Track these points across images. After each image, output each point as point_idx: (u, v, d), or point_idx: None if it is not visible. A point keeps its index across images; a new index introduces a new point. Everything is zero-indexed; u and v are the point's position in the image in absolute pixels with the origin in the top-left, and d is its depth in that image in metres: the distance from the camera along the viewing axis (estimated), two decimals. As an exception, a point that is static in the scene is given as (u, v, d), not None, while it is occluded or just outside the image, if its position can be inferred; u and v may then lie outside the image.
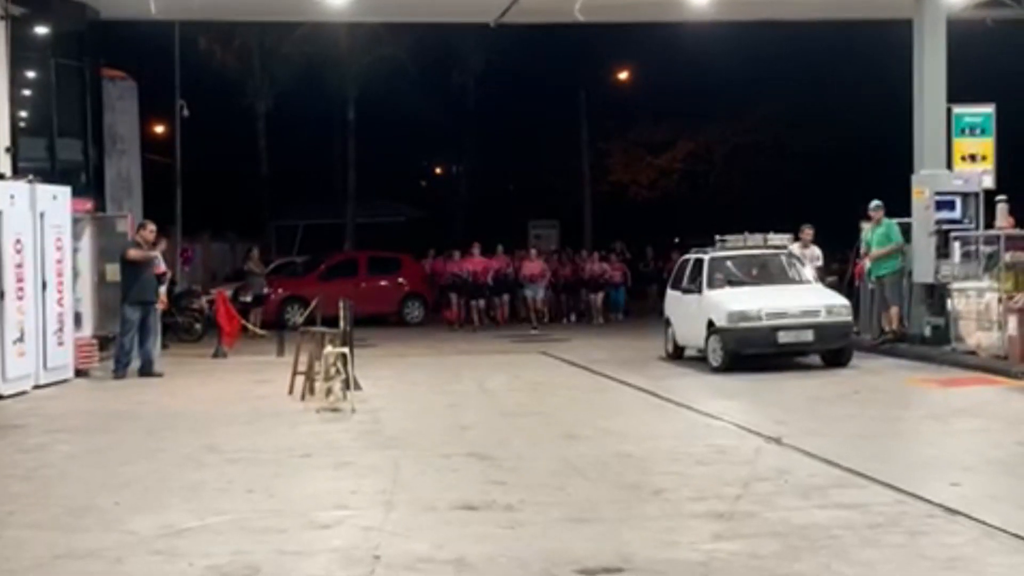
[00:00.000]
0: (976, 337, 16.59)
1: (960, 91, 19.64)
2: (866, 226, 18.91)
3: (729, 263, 18.08)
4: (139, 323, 17.08)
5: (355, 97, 38.91)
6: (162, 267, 17.92)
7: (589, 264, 28.47)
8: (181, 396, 15.21)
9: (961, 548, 7.02)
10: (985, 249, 17.01)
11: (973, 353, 16.45)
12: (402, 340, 23.66)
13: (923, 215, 18.24)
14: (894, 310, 18.48)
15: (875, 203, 18.76)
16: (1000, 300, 15.57)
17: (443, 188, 49.70)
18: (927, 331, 18.20)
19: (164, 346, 20.80)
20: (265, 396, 14.79)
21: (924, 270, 18.15)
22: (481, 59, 39.30)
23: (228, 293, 22.05)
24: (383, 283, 28.87)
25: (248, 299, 23.92)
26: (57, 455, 10.95)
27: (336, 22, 29.78)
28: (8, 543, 7.56)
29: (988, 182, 18.99)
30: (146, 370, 17.11)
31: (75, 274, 17.42)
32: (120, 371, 16.95)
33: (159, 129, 34.94)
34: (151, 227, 17.84)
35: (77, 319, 17.43)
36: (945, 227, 17.98)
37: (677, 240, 34.65)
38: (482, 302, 26.98)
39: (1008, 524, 7.38)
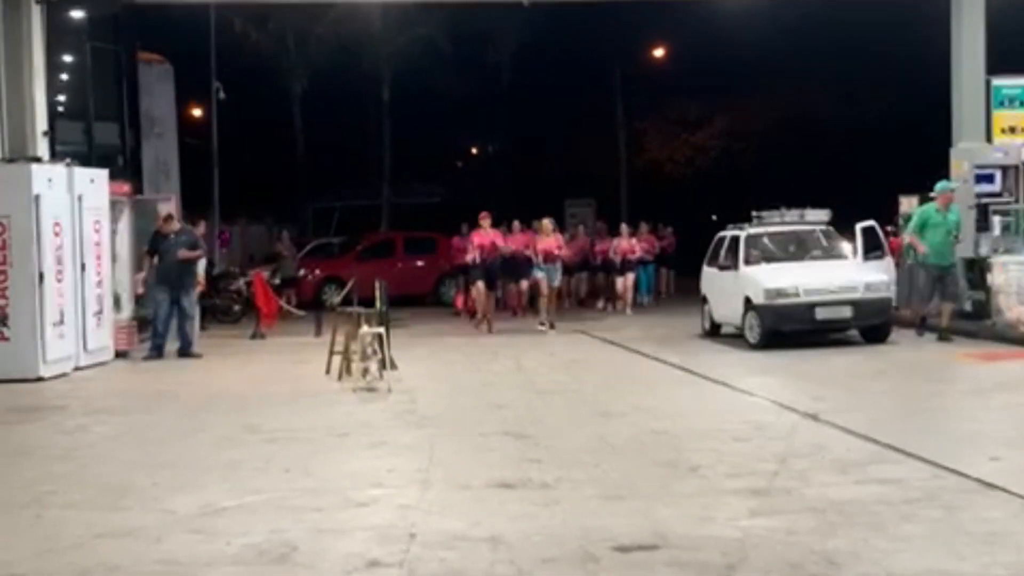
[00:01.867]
0: (1016, 311, 16.43)
1: (999, 62, 19.40)
2: (924, 207, 17.12)
3: (766, 239, 18.01)
4: (170, 305, 17.17)
5: (390, 78, 38.93)
6: (195, 252, 17.95)
7: (617, 241, 25.09)
8: (219, 377, 15.31)
9: (1000, 522, 6.96)
10: (1026, 222, 16.85)
11: (1015, 327, 16.30)
12: (438, 320, 23.70)
13: (962, 188, 18.05)
14: (950, 306, 16.85)
15: (946, 183, 17.02)
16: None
17: (479, 168, 49.67)
18: (967, 305, 18.03)
19: (203, 328, 21.02)
20: (302, 376, 14.86)
21: (964, 244, 17.97)
22: (515, 38, 39.19)
23: (265, 275, 22.15)
24: (419, 263, 28.92)
25: (276, 281, 23.95)
26: (96, 436, 11.06)
27: (369, 2, 29.80)
28: (48, 523, 7.65)
29: (1028, 154, 18.79)
30: (185, 351, 17.25)
31: (113, 257, 17.56)
32: (151, 353, 17.07)
33: (196, 112, 35.11)
34: (170, 213, 17.94)
35: (116, 301, 17.58)
36: (985, 200, 17.79)
37: (715, 217, 34.00)
38: (480, 284, 21.10)
39: (1048, 499, 7.31)
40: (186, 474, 9.07)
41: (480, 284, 21.03)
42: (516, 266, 21.95)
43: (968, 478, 8.03)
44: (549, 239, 21.27)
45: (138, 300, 18.09)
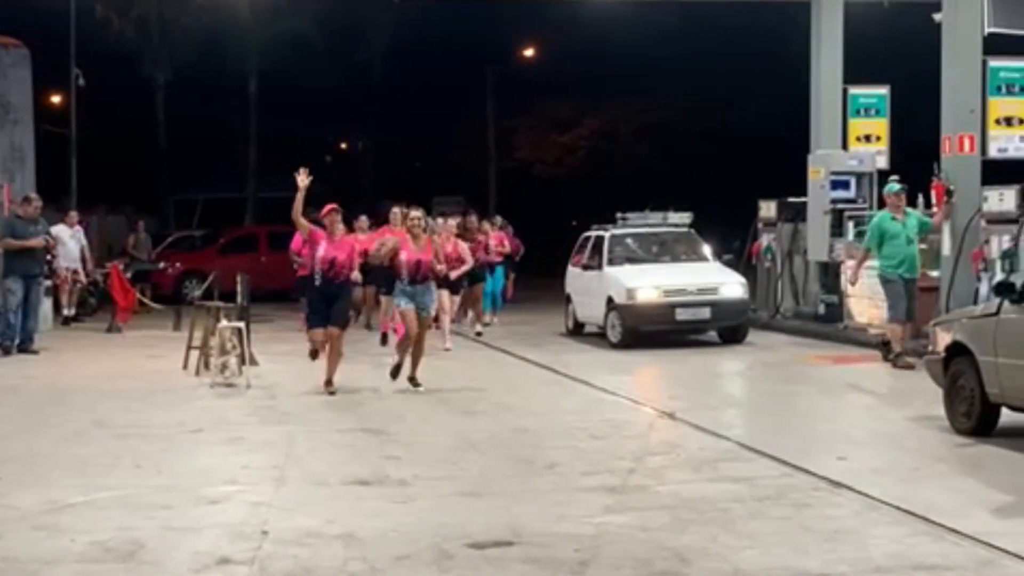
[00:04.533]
0: (868, 315, 16.91)
1: (856, 72, 19.96)
2: (877, 218, 14.71)
3: (629, 240, 18.25)
4: (24, 297, 16.59)
5: (257, 70, 38.37)
6: (48, 241, 17.41)
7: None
8: (71, 371, 14.90)
9: (844, 520, 7.15)
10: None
11: (864, 330, 16.77)
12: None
13: (818, 194, 18.51)
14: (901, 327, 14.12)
15: (893, 185, 14.59)
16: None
17: (348, 164, 49.28)
18: (821, 308, 18.51)
19: (77, 318, 20.52)
20: (159, 371, 14.55)
21: (818, 248, 18.45)
22: (386, 34, 38.97)
23: (121, 267, 21.64)
24: (283, 258, 28.51)
25: (128, 275, 23.38)
26: (-61, 431, 10.66)
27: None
28: None
29: (882, 162, 19.35)
30: (23, 347, 16.54)
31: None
32: (5, 345, 16.46)
33: (55, 99, 34.09)
34: (36, 202, 17.34)
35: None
36: (840, 206, 18.27)
37: (574, 223, 33.06)
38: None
39: (890, 497, 7.53)
40: (31, 470, 8.81)
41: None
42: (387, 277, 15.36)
43: (816, 476, 8.24)
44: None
45: None
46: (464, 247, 17.74)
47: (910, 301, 14.08)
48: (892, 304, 14.19)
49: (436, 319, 14.73)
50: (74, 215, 21.22)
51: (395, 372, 12.82)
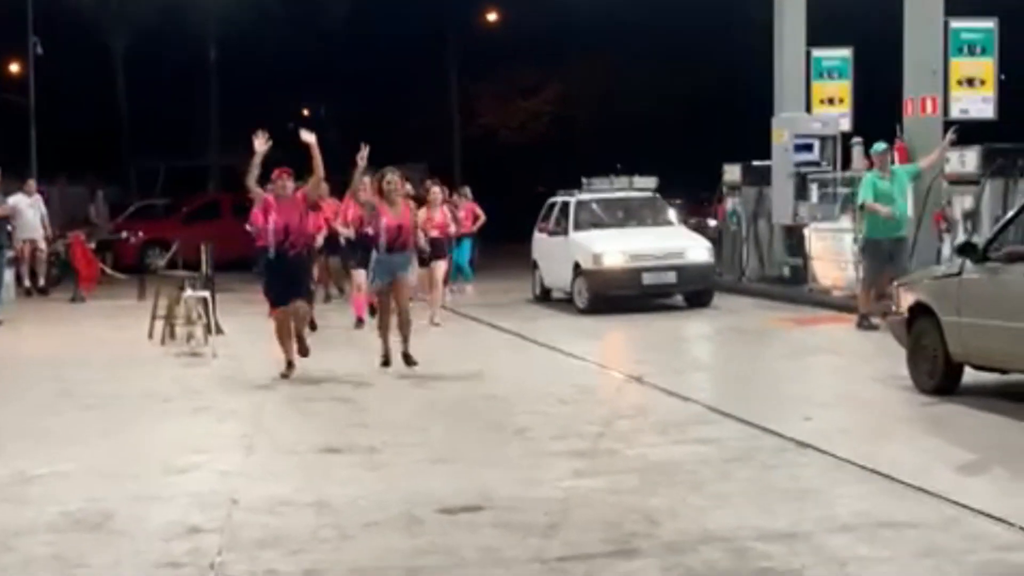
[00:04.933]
0: (832, 277, 17.04)
1: (819, 34, 19.98)
2: (867, 177, 14.23)
3: (595, 206, 18.24)
4: None
5: (217, 37, 38.01)
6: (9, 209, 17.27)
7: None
8: (35, 342, 14.80)
9: (811, 480, 7.22)
10: (842, 191, 17.41)
11: (828, 293, 16.90)
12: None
13: (782, 157, 18.57)
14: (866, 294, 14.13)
15: (882, 145, 14.26)
16: (855, 240, 15.95)
17: (311, 130, 48.94)
18: (785, 271, 18.63)
19: (42, 290, 20.27)
20: (124, 341, 14.46)
21: (782, 211, 18.52)
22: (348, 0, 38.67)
23: (83, 237, 21.44)
24: (248, 226, 28.33)
25: (91, 245, 23.16)
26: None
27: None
28: None
29: (845, 125, 19.41)
30: None
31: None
32: None
33: (13, 68, 33.68)
34: None
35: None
36: (803, 169, 18.34)
37: (540, 189, 33.02)
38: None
39: (855, 456, 7.61)
40: (-3, 442, 8.75)
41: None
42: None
43: (783, 437, 8.31)
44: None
45: None
46: (448, 214, 16.92)
47: (899, 260, 13.71)
48: (867, 276, 14.18)
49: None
50: (32, 184, 20.85)
51: (386, 360, 11.64)
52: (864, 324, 13.84)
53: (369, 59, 40.98)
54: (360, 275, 14.71)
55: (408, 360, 11.58)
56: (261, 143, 11.45)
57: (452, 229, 16.84)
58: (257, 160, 11.35)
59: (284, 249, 11.22)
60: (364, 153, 11.78)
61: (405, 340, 11.70)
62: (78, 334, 15.52)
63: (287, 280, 11.32)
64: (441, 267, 16.06)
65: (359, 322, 15.24)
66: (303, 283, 11.79)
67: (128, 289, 20.12)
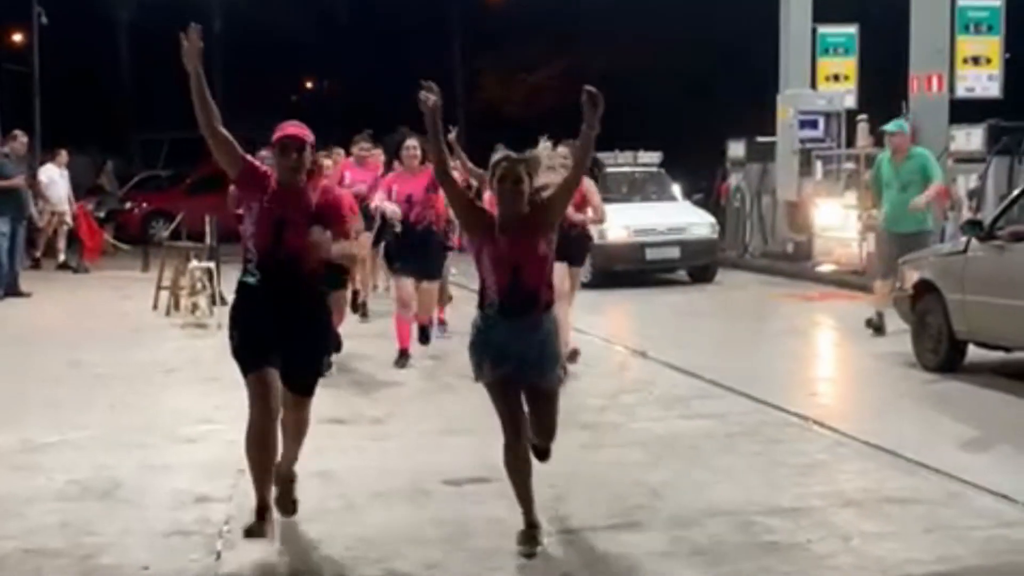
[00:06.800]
0: (836, 253, 17.05)
1: (825, 10, 19.93)
2: (878, 158, 12.17)
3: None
4: (12, 238, 16.20)
5: (221, 9, 37.91)
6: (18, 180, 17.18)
7: None
8: (42, 312, 14.82)
9: (815, 455, 7.26)
10: (846, 167, 17.41)
11: (833, 269, 16.92)
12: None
13: (787, 134, 18.56)
14: (883, 284, 11.52)
15: (895, 124, 12.00)
16: (859, 217, 15.96)
17: (314, 103, 48.89)
18: (789, 247, 18.63)
19: (35, 264, 20.11)
20: (129, 312, 14.49)
21: (787, 188, 18.52)
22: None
23: (89, 207, 21.45)
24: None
25: (101, 215, 23.12)
26: (-91, 372, 10.60)
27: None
28: None
29: (850, 102, 19.38)
30: (14, 290, 16.13)
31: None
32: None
33: (16, 37, 33.60)
34: (22, 138, 17.03)
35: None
36: (808, 146, 18.33)
37: None
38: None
39: (859, 432, 7.65)
40: (6, 410, 8.78)
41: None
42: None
43: (787, 412, 8.35)
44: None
45: None
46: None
47: (894, 259, 11.12)
48: (877, 265, 12.30)
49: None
50: (64, 155, 20.00)
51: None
52: (870, 323, 11.86)
53: (373, 33, 40.91)
54: (406, 286, 10.60)
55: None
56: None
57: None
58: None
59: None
60: (452, 136, 9.71)
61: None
62: (84, 305, 15.54)
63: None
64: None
65: (402, 356, 10.65)
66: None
67: (132, 260, 20.15)
